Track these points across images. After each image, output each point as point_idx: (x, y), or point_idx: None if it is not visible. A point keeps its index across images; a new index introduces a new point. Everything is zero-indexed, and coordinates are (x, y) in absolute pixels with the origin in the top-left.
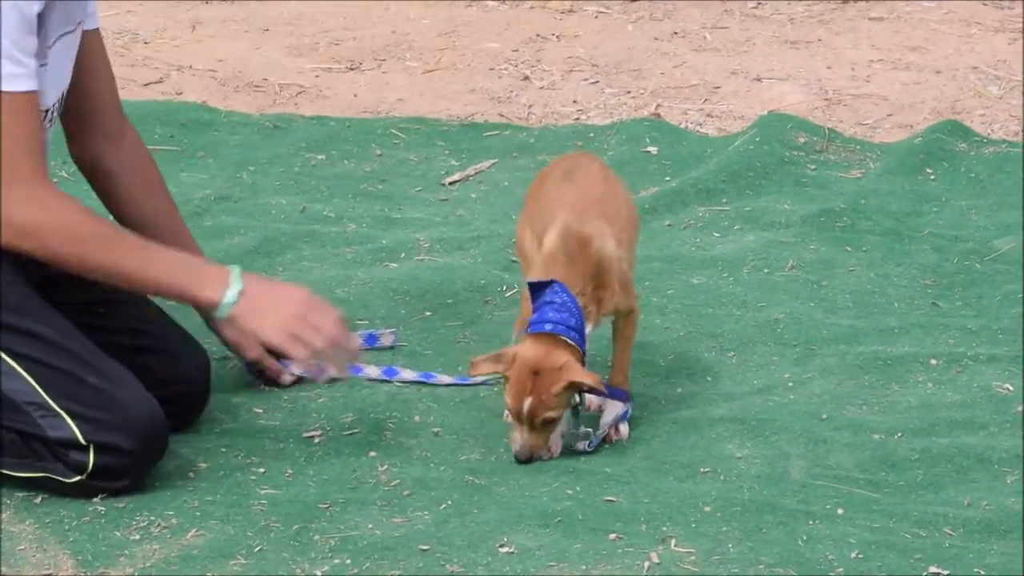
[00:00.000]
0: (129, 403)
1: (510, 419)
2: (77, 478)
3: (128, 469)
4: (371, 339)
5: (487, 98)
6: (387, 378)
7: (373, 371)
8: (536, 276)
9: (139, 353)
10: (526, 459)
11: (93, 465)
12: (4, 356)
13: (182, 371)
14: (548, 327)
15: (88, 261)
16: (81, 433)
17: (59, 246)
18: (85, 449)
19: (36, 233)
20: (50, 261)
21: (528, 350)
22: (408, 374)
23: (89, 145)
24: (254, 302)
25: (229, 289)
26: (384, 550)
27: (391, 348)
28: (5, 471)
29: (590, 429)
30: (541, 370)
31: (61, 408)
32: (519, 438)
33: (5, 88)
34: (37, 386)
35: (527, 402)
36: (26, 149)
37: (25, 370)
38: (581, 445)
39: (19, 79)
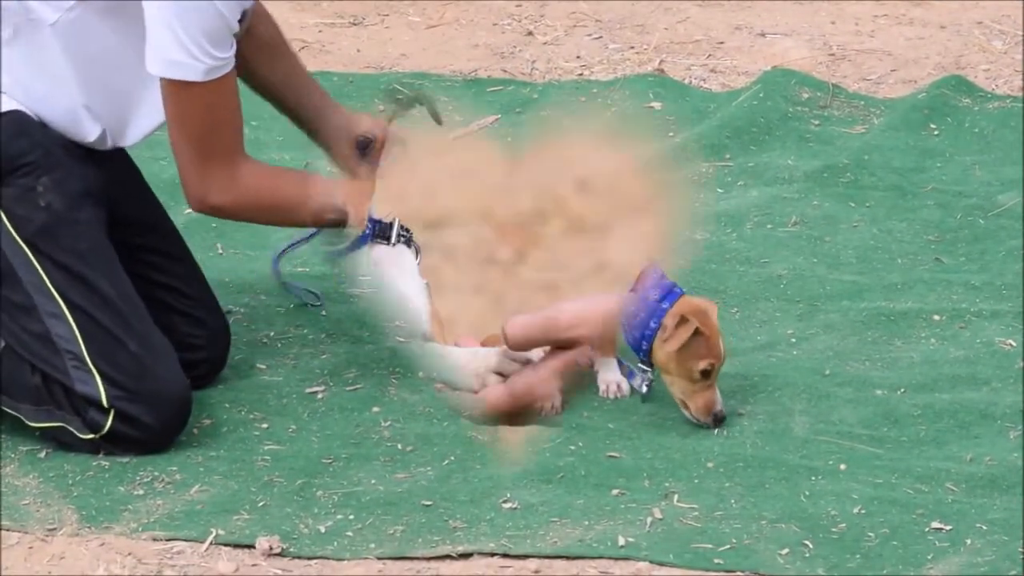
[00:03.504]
0: (163, 379)
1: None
2: (90, 436)
3: (143, 442)
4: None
5: (490, 53)
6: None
7: None
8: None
9: (170, 312)
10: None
11: (109, 430)
12: (59, 299)
13: (204, 337)
14: (678, 290)
15: (278, 222)
16: (107, 396)
17: (249, 217)
18: (106, 412)
19: (226, 213)
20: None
21: (695, 306)
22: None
23: None
24: None
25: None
26: (387, 505)
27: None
28: (21, 418)
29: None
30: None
31: (95, 367)
32: (719, 397)
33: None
34: (80, 338)
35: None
36: (229, 128)
37: (73, 319)
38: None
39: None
